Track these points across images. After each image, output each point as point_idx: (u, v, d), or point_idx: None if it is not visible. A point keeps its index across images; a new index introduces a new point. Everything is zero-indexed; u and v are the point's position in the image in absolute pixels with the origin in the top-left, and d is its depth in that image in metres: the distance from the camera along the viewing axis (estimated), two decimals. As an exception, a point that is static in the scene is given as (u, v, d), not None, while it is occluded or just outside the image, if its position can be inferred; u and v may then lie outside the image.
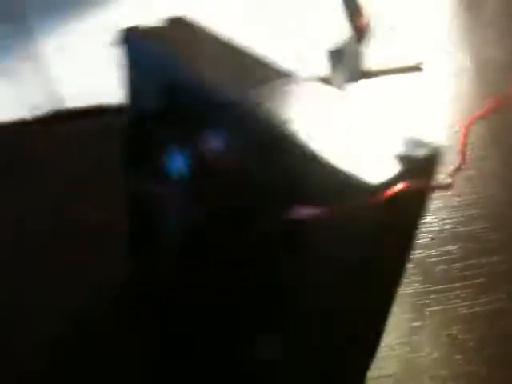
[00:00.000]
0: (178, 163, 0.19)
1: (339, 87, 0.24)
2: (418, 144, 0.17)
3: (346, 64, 0.24)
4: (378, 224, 0.16)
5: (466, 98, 0.41)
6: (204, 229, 0.20)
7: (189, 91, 0.19)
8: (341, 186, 0.15)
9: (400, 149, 0.16)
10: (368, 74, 0.42)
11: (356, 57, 0.24)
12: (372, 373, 0.25)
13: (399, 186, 0.15)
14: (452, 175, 0.17)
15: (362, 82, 0.42)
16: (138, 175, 0.21)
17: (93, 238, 0.29)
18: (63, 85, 0.40)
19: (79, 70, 0.39)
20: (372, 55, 0.43)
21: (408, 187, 0.15)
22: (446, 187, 0.17)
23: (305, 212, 0.15)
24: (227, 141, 0.18)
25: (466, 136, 0.19)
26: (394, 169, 0.15)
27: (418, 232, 0.19)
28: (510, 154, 0.36)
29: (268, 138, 0.17)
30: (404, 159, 0.16)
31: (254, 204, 0.18)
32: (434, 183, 0.17)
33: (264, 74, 0.20)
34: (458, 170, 0.17)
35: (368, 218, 0.15)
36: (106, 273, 0.27)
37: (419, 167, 0.16)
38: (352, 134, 0.17)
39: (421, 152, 0.16)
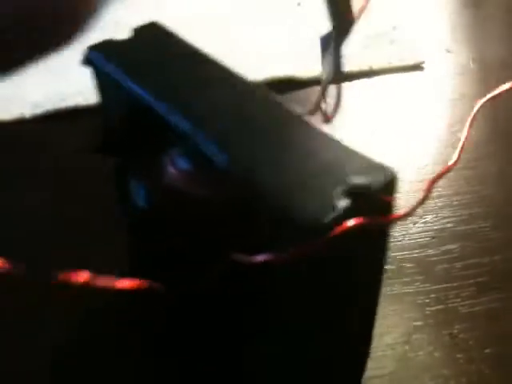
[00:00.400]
0: (138, 192, 0.19)
1: (327, 77, 0.23)
2: (372, 171, 0.15)
3: (332, 54, 0.23)
4: (326, 267, 0.15)
5: (467, 97, 0.41)
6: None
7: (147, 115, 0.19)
8: (282, 227, 0.14)
9: (351, 177, 0.15)
10: (368, 73, 0.42)
11: (338, 49, 0.23)
12: (372, 372, 0.25)
13: (350, 223, 0.13)
14: (414, 207, 0.16)
15: (363, 81, 0.42)
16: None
17: (93, 237, 0.29)
18: (66, 82, 0.40)
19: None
20: (372, 54, 0.44)
21: (360, 223, 0.13)
22: (400, 218, 0.16)
23: (250, 259, 0.14)
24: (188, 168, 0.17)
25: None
26: (343, 203, 0.14)
27: (385, 263, 0.18)
28: (507, 153, 0.36)
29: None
30: (356, 190, 0.15)
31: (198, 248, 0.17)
32: (391, 214, 0.16)
33: (228, 86, 0.19)
34: (420, 201, 0.16)
35: (315, 261, 0.14)
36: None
37: (374, 199, 0.15)
38: (301, 162, 0.15)
39: (375, 180, 0.15)
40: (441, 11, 0.50)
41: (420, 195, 0.17)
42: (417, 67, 0.43)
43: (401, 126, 0.39)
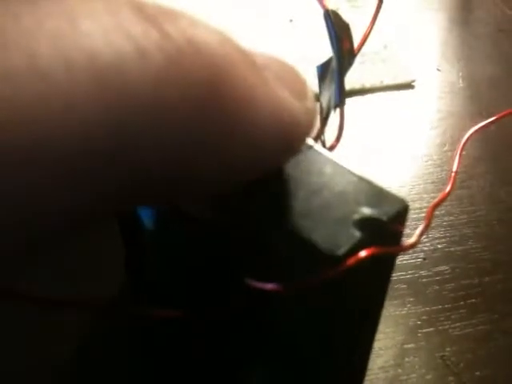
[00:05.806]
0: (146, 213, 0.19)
1: (325, 106, 0.23)
2: (384, 200, 0.15)
3: (331, 83, 0.23)
4: (339, 294, 0.15)
5: (457, 116, 0.41)
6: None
7: None
8: (296, 257, 0.14)
9: (363, 208, 0.15)
10: (360, 91, 0.43)
11: (339, 77, 0.23)
12: (365, 395, 0.25)
13: (362, 254, 0.14)
14: (419, 235, 0.16)
15: (355, 99, 0.42)
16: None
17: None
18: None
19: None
20: (364, 72, 0.44)
21: (372, 253, 0.14)
22: (410, 247, 0.16)
23: (261, 286, 0.14)
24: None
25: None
26: (356, 234, 0.14)
27: (387, 290, 0.18)
28: (499, 173, 0.36)
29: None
30: (369, 220, 0.15)
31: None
32: (400, 242, 0.16)
33: None
34: (425, 229, 0.16)
35: (327, 289, 0.14)
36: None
37: (386, 229, 0.15)
38: (312, 193, 0.15)
39: (387, 211, 0.15)
40: (431, 30, 0.50)
41: (421, 222, 0.17)
42: (408, 86, 0.44)
43: (391, 145, 0.39)
